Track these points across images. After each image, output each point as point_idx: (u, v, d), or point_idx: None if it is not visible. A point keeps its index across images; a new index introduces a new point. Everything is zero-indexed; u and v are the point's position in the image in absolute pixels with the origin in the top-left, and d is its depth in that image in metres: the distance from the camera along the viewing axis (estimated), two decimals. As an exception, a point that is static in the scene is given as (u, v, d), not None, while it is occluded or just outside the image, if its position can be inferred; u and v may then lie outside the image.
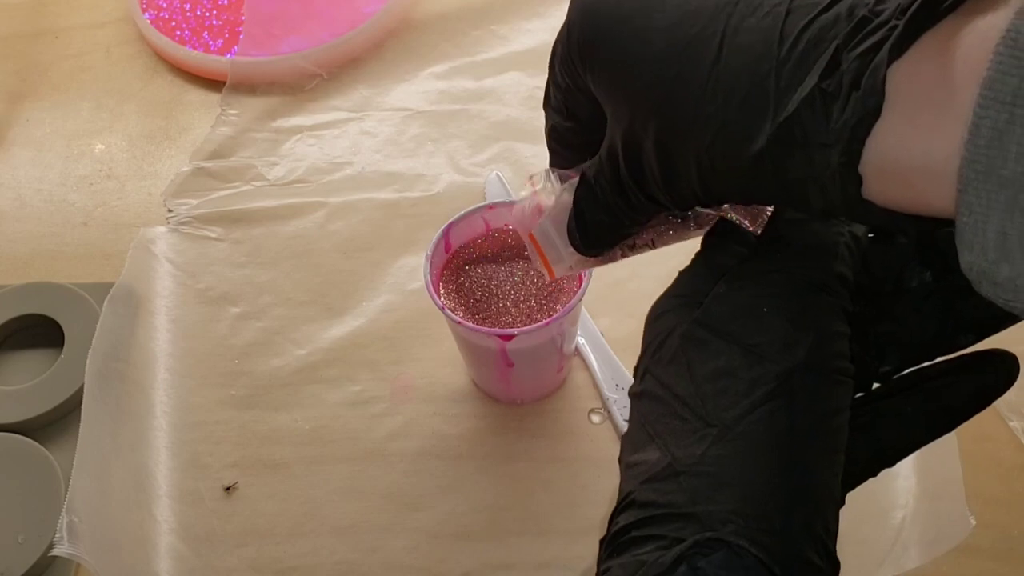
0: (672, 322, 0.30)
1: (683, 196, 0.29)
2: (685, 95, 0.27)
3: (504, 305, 0.49)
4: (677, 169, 0.28)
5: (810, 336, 0.28)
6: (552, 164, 0.36)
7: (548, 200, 0.34)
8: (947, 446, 0.48)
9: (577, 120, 0.33)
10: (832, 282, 0.29)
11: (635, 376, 0.32)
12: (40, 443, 0.52)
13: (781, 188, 0.26)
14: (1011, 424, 0.52)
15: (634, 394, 0.31)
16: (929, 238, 0.30)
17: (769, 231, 0.31)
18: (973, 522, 0.45)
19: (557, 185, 0.34)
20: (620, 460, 0.31)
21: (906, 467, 0.50)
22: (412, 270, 0.60)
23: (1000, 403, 0.52)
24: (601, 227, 0.32)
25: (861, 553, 0.47)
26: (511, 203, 0.50)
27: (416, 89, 0.70)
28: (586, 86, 0.31)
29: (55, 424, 0.55)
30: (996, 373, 0.30)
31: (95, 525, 0.47)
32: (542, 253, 0.35)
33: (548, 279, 0.37)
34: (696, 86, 0.26)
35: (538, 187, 0.35)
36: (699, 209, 0.33)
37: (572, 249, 0.34)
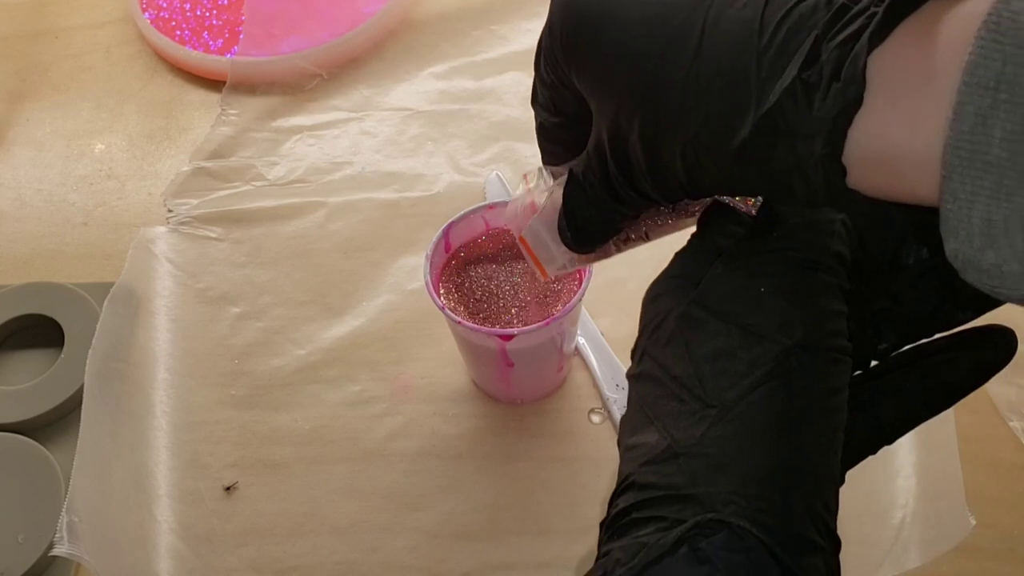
0: (669, 303, 0.30)
1: (671, 189, 0.29)
2: (667, 87, 0.27)
3: (504, 305, 0.49)
4: (663, 162, 0.28)
5: (808, 315, 0.28)
6: (544, 162, 0.36)
7: (541, 199, 0.34)
8: (947, 446, 0.48)
9: (564, 116, 0.33)
10: (829, 260, 0.29)
11: (632, 358, 0.32)
12: (40, 443, 0.52)
13: (766, 179, 0.26)
14: (1011, 424, 0.52)
15: (631, 376, 0.31)
16: (924, 215, 0.30)
17: (765, 210, 0.31)
18: (973, 522, 0.45)
19: (550, 182, 0.34)
20: (619, 443, 0.31)
21: (906, 467, 0.50)
22: (412, 270, 0.60)
23: (1000, 403, 0.52)
24: (591, 223, 0.32)
25: (861, 553, 0.47)
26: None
27: (416, 89, 0.70)
28: (571, 81, 0.30)
29: (55, 424, 0.55)
30: (995, 348, 0.30)
31: (95, 525, 0.47)
32: (532, 253, 0.35)
33: (542, 279, 0.37)
34: (678, 78, 0.26)
35: (531, 185, 0.35)
36: (689, 201, 0.33)
37: (564, 247, 0.34)
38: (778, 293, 0.28)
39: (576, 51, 0.29)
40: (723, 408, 0.27)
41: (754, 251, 0.30)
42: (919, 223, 0.30)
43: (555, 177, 0.34)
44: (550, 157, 0.35)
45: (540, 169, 0.35)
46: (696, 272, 0.30)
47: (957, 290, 0.30)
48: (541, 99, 0.34)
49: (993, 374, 0.30)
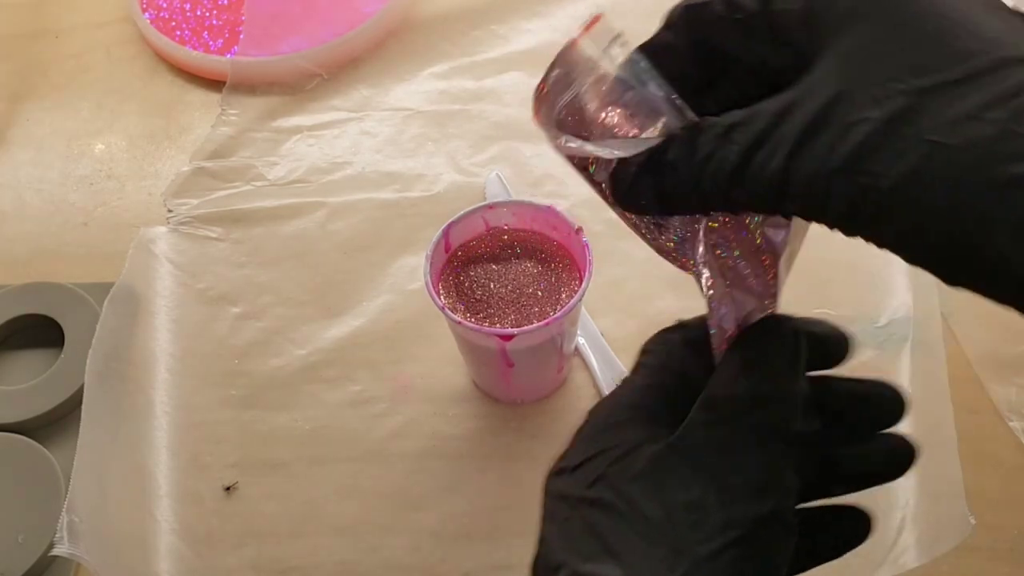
0: (633, 435, 0.29)
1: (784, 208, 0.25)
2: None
3: (504, 305, 0.49)
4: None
5: (779, 487, 0.28)
6: (643, 48, 0.28)
7: (603, 84, 0.28)
8: (947, 446, 0.48)
9: (767, 49, 0.27)
10: (794, 437, 0.28)
11: (570, 471, 0.30)
12: (40, 443, 0.52)
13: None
14: (1011, 424, 0.52)
15: (583, 499, 0.29)
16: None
17: (729, 356, 0.30)
18: (973, 522, 0.45)
19: (646, 91, 0.27)
20: (551, 565, 0.28)
21: (906, 467, 0.50)
22: (412, 270, 0.60)
23: (1000, 403, 0.52)
24: (670, 195, 0.28)
25: (861, 553, 0.47)
26: (511, 203, 0.50)
27: (416, 89, 0.70)
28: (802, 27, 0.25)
29: (55, 424, 0.55)
30: (853, 528, 0.31)
31: (95, 525, 0.47)
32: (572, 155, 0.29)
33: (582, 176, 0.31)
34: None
35: (605, 47, 0.27)
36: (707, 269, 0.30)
37: (606, 185, 0.29)
38: (756, 457, 0.28)
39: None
40: (695, 562, 0.26)
41: (732, 412, 0.29)
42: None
43: (636, 64, 0.27)
44: (660, 52, 0.28)
45: (635, 56, 0.27)
46: (656, 409, 0.30)
47: (836, 464, 0.30)
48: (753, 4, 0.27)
49: (846, 552, 0.30)
